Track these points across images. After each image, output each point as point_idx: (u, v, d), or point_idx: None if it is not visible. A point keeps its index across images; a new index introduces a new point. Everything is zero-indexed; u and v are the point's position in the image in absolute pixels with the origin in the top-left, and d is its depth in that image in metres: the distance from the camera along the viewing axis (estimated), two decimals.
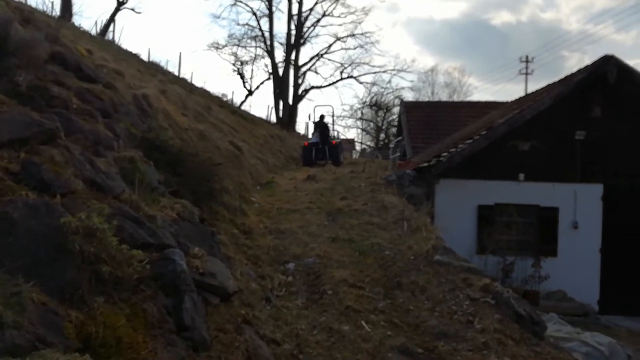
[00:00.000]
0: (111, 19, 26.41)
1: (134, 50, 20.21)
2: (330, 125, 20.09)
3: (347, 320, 5.75)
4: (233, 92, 43.83)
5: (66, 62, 6.47)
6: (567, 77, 12.33)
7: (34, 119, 4.41)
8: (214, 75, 67.82)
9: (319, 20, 33.11)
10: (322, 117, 20.20)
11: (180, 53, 48.54)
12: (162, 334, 3.73)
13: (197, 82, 25.59)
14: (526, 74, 34.79)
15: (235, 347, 4.29)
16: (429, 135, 20.99)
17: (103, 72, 7.24)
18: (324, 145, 17.79)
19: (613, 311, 11.85)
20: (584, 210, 12.42)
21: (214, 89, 35.57)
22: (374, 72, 34.81)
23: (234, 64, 33.34)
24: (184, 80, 21.72)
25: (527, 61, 34.80)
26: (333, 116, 27.21)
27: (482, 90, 72.51)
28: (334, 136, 20.67)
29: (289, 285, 6.56)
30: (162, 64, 22.78)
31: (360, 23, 45.50)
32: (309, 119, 19.75)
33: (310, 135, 22.35)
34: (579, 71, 12.24)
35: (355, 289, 6.39)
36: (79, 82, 6.32)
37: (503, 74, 79.37)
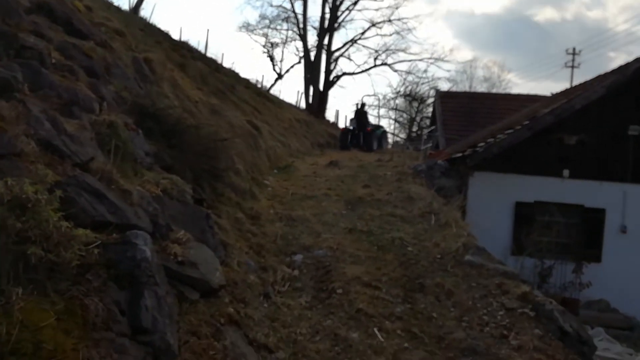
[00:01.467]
0: None
1: (166, 29, 19.51)
2: (369, 114, 21.80)
3: (356, 326, 4.85)
4: (263, 76, 42.98)
5: (54, 14, 5.71)
6: (622, 67, 11.05)
7: None
8: (245, 59, 67.02)
9: (355, 4, 31.92)
10: (363, 104, 21.22)
11: (207, 30, 47.75)
12: (109, 338, 2.90)
13: (227, 64, 24.85)
14: (572, 67, 32.71)
15: (208, 357, 3.44)
16: (464, 126, 19.83)
17: (99, 31, 6.47)
18: (360, 131, 18.44)
19: None
20: (634, 214, 11.20)
21: (244, 72, 34.87)
22: (410, 60, 33.35)
23: (264, 46, 32.52)
24: (210, 59, 20.98)
25: (574, 53, 32.70)
26: (379, 106, 26.98)
27: (522, 86, 69.86)
28: (372, 124, 21.23)
29: (293, 279, 5.69)
30: (194, 44, 22.07)
31: (397, 8, 43.84)
32: (357, 107, 20.31)
33: (347, 122, 23.10)
34: (637, 60, 10.93)
35: (370, 289, 5.47)
36: (65, 36, 5.56)
37: (544, 72, 76.24)
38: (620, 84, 10.46)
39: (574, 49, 32.99)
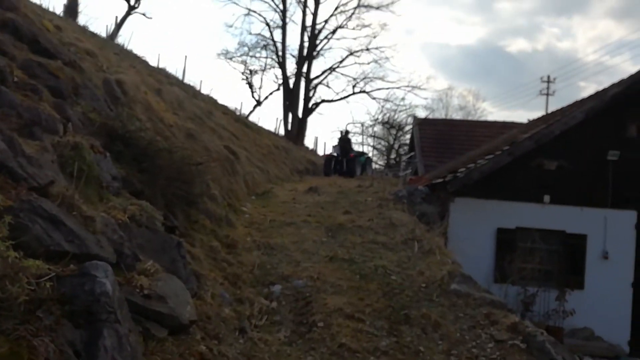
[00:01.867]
0: (121, 23, 25.65)
1: (142, 55, 19.28)
2: (352, 141, 22.21)
3: None
4: (242, 103, 42.76)
5: (19, 32, 5.42)
6: (600, 92, 11.11)
7: None
8: (223, 87, 66.93)
9: (333, 33, 32.22)
10: (346, 132, 22.16)
11: (185, 57, 47.63)
12: None
13: (205, 91, 24.64)
14: (547, 94, 33.23)
15: None
16: (442, 153, 19.84)
17: (69, 50, 6.18)
18: (343, 157, 18.89)
19: None
20: (615, 239, 11.10)
21: (222, 99, 34.64)
22: (388, 88, 33.52)
23: (243, 73, 32.42)
24: (188, 85, 20.75)
25: (548, 81, 33.33)
26: (362, 133, 27.51)
27: (497, 114, 71.09)
28: (355, 150, 21.85)
29: (271, 312, 5.35)
30: (172, 71, 21.83)
31: (375, 37, 44.41)
32: (341, 134, 21.68)
33: (329, 149, 24.06)
34: (614, 85, 11.02)
35: (353, 322, 5.16)
36: (31, 55, 5.25)
37: (518, 101, 78.06)
38: (599, 109, 10.50)
39: (548, 77, 33.69)
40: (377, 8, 31.61)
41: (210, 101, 20.79)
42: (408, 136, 32.27)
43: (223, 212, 7.72)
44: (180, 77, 22.18)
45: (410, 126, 29.34)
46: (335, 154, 19.75)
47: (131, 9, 26.67)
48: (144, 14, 27.68)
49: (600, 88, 11.98)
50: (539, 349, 5.15)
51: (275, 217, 8.87)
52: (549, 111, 20.18)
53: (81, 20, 19.67)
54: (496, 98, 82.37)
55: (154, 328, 3.54)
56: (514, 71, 71.01)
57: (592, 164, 11.00)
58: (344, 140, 20.54)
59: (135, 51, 19.45)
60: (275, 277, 6.16)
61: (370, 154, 28.57)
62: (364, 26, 32.45)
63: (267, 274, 6.23)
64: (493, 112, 65.03)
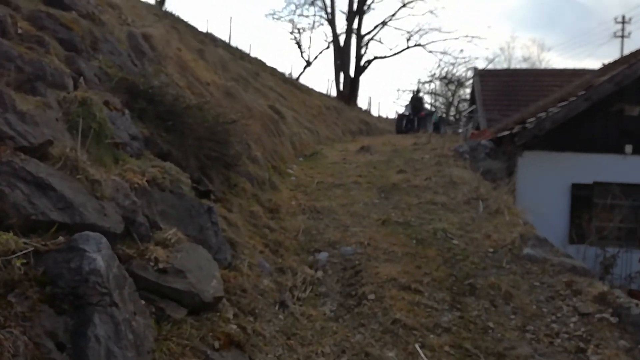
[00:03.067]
0: None
1: (188, 19, 18.85)
2: (424, 100, 23.12)
3: (393, 342, 3.88)
4: (292, 65, 41.89)
5: None
6: None
7: None
8: (273, 49, 65.91)
9: None
10: (418, 91, 23.72)
11: (231, 18, 46.69)
12: None
13: (254, 54, 24.04)
14: (622, 36, 30.08)
15: None
16: (505, 106, 18.48)
17: (88, 2, 5.65)
18: (415, 116, 19.40)
19: None
20: None
21: (272, 62, 33.74)
22: (445, 40, 31.83)
23: (291, 32, 31.52)
24: (234, 48, 20.19)
25: (623, 22, 30.07)
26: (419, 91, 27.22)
27: (563, 64, 66.54)
28: (426, 109, 22.47)
29: (316, 283, 4.76)
30: (220, 36, 21.28)
31: None
32: (413, 93, 22.78)
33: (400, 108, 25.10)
34: None
35: (409, 294, 4.49)
36: (40, 5, 4.75)
37: (586, 49, 72.38)
38: None
39: (623, 17, 30.33)
40: None
41: (258, 63, 20.19)
42: (468, 90, 30.54)
43: (266, 174, 7.16)
44: (228, 41, 21.67)
45: (470, 81, 27.75)
46: (407, 113, 19.95)
47: None
48: None
49: None
50: (634, 324, 4.30)
51: (324, 179, 8.24)
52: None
53: None
54: (562, 47, 77.12)
55: (170, 308, 3.01)
56: (581, 17, 65.87)
57: None
58: (416, 99, 20.83)
59: (182, 17, 19.08)
60: (321, 243, 5.56)
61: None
62: None
63: (313, 241, 5.64)
64: (559, 62, 60.66)
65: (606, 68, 13.48)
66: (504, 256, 5.22)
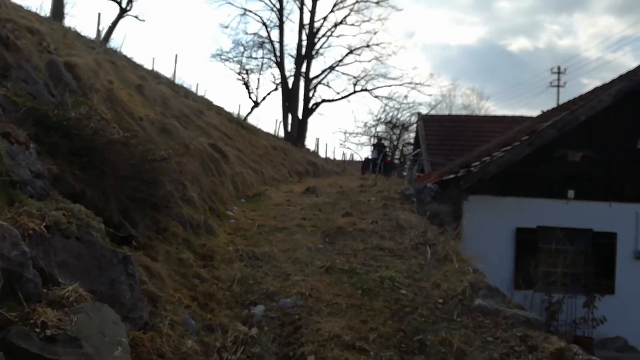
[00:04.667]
0: (113, 26, 24.66)
1: (137, 60, 18.30)
2: (387, 147, 26.18)
3: None
4: (239, 106, 41.51)
5: None
6: (630, 72, 9.94)
7: None
8: (221, 90, 65.66)
9: (332, 30, 31.12)
10: (380, 139, 27.04)
11: (176, 56, 46.01)
12: None
13: (200, 93, 23.58)
14: (558, 86, 31.62)
15: None
16: (449, 150, 18.80)
17: (4, 27, 5.08)
18: (381, 161, 21.14)
19: None
20: None
21: (219, 101, 33.16)
22: (390, 86, 32.33)
23: (239, 73, 31.30)
24: (179, 86, 19.67)
25: (559, 72, 31.81)
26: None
27: (501, 113, 69.72)
28: (389, 155, 26.03)
29: (250, 343, 4.21)
30: (166, 74, 20.74)
31: (375, 33, 43.24)
32: (377, 140, 27.30)
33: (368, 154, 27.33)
34: None
35: (353, 354, 4.01)
36: None
37: (522, 99, 76.39)
38: (628, 90, 9.35)
39: (558, 68, 32.12)
40: (377, 3, 30.47)
41: (203, 101, 19.72)
42: (412, 135, 31.12)
43: (202, 217, 6.59)
44: (172, 78, 21.13)
45: (414, 125, 28.38)
46: (372, 157, 22.48)
47: (123, 11, 25.69)
48: (136, 17, 26.67)
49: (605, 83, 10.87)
50: None
51: (265, 222, 7.75)
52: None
53: (69, 23, 18.74)
54: (500, 97, 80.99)
55: None
56: (516, 69, 69.68)
57: (621, 154, 9.87)
58: (381, 145, 24.44)
59: (125, 53, 18.49)
60: (258, 295, 5.02)
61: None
62: (364, 21, 31.36)
63: (249, 292, 5.09)
64: (497, 110, 63.54)
65: (546, 115, 13.89)
66: (454, 308, 4.87)
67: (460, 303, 4.95)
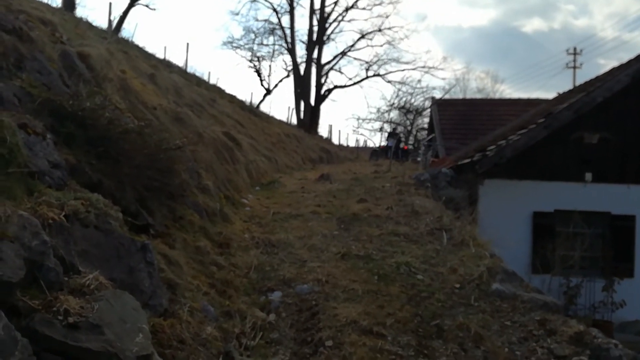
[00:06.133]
0: (124, 15, 24.69)
1: (149, 49, 18.39)
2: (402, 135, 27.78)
3: None
4: (252, 93, 41.33)
5: None
6: None
7: None
8: (232, 77, 65.60)
9: (343, 15, 30.84)
10: (395, 128, 27.98)
11: (187, 44, 45.96)
12: None
13: (212, 81, 23.58)
14: (574, 67, 31.04)
15: None
16: (464, 135, 18.61)
17: (17, 18, 5.10)
18: (397, 149, 22.11)
19: None
20: None
21: (231, 89, 32.87)
22: (403, 70, 32.04)
23: (250, 60, 31.20)
24: (191, 74, 19.68)
25: (575, 53, 31.18)
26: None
27: (516, 95, 68.71)
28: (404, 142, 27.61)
29: (267, 328, 4.24)
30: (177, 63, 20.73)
31: (387, 17, 42.63)
32: (393, 130, 28.40)
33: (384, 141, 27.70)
34: None
35: (370, 338, 4.02)
36: None
37: (537, 81, 75.20)
38: None
39: (574, 49, 31.48)
40: None
41: (215, 90, 19.73)
42: (426, 120, 30.89)
43: (217, 205, 6.63)
44: (184, 67, 21.15)
45: (428, 110, 28.19)
46: (390, 145, 23.01)
47: (134, 0, 25.68)
48: (147, 6, 26.65)
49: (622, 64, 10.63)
50: None
51: (280, 209, 7.77)
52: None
53: (80, 13, 18.80)
54: (514, 79, 79.87)
55: None
56: (531, 51, 68.52)
57: (638, 136, 9.67)
58: (396, 134, 25.65)
59: (137, 42, 18.53)
60: (275, 281, 5.05)
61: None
62: (375, 4, 30.98)
63: (266, 278, 5.13)
64: (512, 93, 62.69)
65: (562, 97, 13.66)
66: (471, 292, 4.85)
67: (478, 288, 4.93)
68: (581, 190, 9.85)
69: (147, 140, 5.03)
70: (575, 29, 71.21)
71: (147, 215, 4.86)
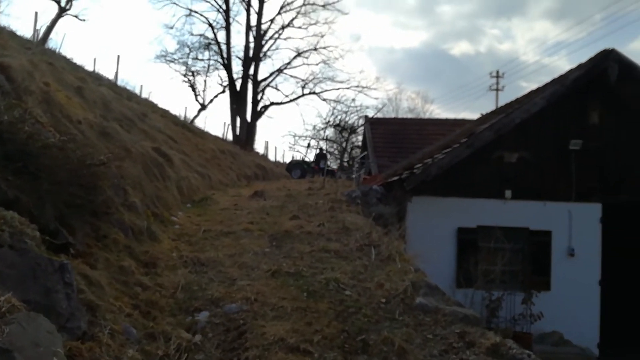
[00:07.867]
0: (52, 25, 23.68)
1: (78, 61, 17.66)
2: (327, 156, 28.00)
3: None
4: (186, 108, 40.69)
5: None
6: (561, 76, 10.49)
7: None
8: (166, 92, 64.28)
9: (280, 32, 31.13)
10: (321, 149, 28.34)
11: (118, 57, 44.81)
12: None
13: (144, 95, 22.99)
14: (497, 89, 33.03)
15: None
16: (395, 153, 19.19)
17: None
18: (323, 167, 22.83)
19: (615, 355, 9.83)
20: (580, 235, 10.44)
21: (164, 104, 32.07)
22: (338, 89, 32.76)
23: (184, 75, 30.75)
24: (121, 88, 19.13)
25: (497, 76, 33.17)
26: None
27: (445, 116, 71.71)
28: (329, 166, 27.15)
29: (193, 350, 4.17)
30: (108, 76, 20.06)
31: (322, 37, 43.59)
32: (320, 151, 27.94)
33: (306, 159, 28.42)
34: (576, 68, 10.43)
35: (297, 356, 4.06)
36: None
37: (464, 102, 79.17)
38: (560, 94, 9.85)
39: (497, 72, 33.48)
40: (324, 6, 30.75)
41: (147, 104, 19.29)
42: (360, 138, 31.60)
43: (144, 223, 6.47)
44: (115, 80, 20.52)
45: (362, 128, 28.90)
46: (322, 167, 24.07)
47: (62, 10, 24.72)
48: (76, 17, 25.69)
49: (539, 87, 11.44)
50: None
51: (212, 227, 7.68)
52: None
53: (3, 21, 17.89)
54: (443, 100, 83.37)
55: None
56: (459, 73, 71.79)
57: (554, 155, 10.36)
58: (322, 155, 25.88)
59: (64, 53, 17.83)
60: (202, 301, 4.98)
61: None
62: (311, 24, 31.54)
63: (193, 298, 5.05)
64: (440, 113, 65.44)
65: (485, 117, 14.42)
66: (396, 307, 5.00)
67: (402, 302, 5.08)
68: (502, 207, 10.35)
69: (70, 156, 4.87)
70: (499, 53, 75.47)
71: (67, 234, 4.68)
